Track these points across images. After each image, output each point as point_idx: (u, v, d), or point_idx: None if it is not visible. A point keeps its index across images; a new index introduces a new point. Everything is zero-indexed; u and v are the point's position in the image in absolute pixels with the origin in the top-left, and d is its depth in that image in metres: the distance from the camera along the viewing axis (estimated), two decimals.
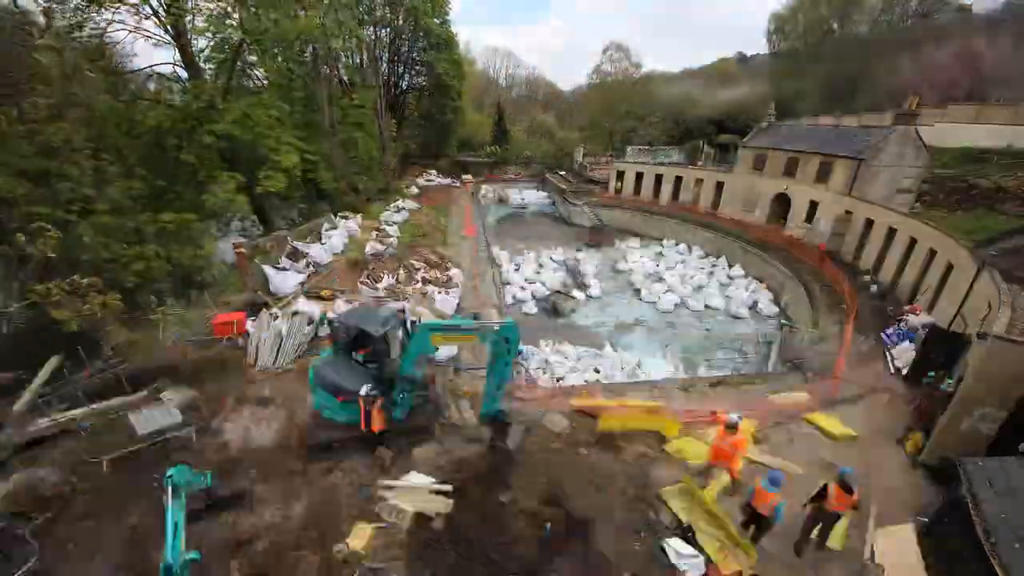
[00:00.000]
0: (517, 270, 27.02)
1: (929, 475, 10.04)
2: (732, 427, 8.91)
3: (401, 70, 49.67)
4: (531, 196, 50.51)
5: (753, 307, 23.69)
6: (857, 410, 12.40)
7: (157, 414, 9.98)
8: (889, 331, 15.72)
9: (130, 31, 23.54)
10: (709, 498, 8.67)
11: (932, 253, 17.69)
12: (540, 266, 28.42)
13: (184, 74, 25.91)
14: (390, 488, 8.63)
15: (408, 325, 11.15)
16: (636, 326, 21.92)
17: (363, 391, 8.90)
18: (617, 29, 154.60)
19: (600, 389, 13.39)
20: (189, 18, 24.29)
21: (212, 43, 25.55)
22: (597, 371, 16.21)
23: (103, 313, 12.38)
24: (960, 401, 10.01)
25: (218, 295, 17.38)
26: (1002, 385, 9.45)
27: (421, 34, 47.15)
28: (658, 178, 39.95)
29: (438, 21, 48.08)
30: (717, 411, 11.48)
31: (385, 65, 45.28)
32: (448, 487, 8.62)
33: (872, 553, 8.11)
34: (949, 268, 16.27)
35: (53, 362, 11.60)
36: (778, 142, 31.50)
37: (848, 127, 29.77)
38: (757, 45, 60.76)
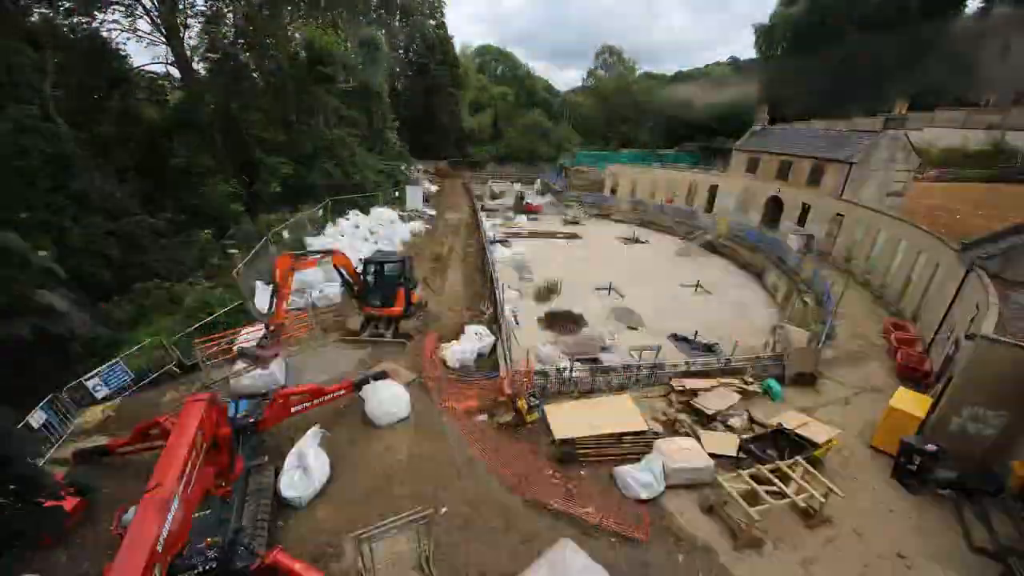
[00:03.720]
0: None
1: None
2: None
3: (398, 71, 49.75)
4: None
5: None
6: None
7: None
8: None
9: (123, 30, 23.45)
10: None
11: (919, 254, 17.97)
12: None
13: (176, 72, 25.77)
14: None
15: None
16: None
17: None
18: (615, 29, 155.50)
19: None
20: (181, 18, 24.22)
21: (205, 43, 25.46)
22: None
23: None
24: (949, 400, 10.16)
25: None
26: (990, 385, 9.61)
27: (417, 36, 47.28)
28: (653, 181, 40.31)
29: (433, 23, 48.26)
30: None
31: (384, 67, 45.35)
32: None
33: None
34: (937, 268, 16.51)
35: None
36: (771, 145, 31.84)
37: (839, 131, 30.17)
38: (750, 49, 61.25)
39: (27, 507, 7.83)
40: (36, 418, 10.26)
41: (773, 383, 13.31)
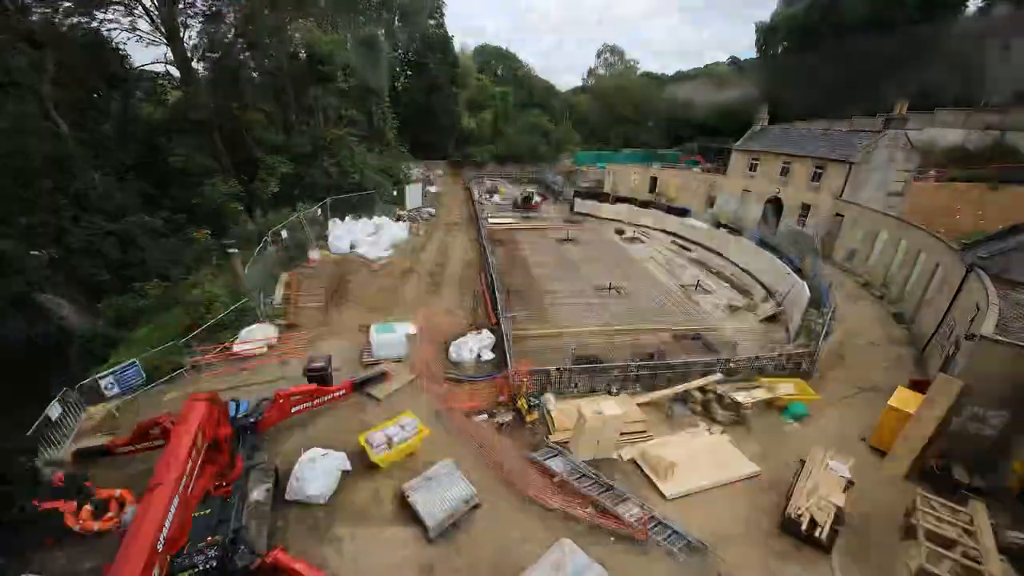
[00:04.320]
0: None
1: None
2: None
3: (398, 71, 49.69)
4: None
5: None
6: None
7: None
8: None
9: (123, 30, 23.41)
10: None
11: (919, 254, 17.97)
12: None
13: (176, 72, 25.73)
14: None
15: None
16: None
17: None
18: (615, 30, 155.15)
19: None
20: (181, 18, 24.15)
21: (205, 42, 25.40)
22: None
23: None
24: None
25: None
26: (990, 385, 9.61)
27: (416, 35, 47.25)
28: (653, 180, 40.40)
29: (433, 23, 48.21)
30: None
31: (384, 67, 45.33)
32: None
33: None
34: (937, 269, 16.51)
35: None
36: (771, 145, 31.81)
37: (840, 131, 30.14)
38: (750, 49, 61.24)
39: (22, 510, 7.80)
40: (54, 411, 10.33)
41: (799, 407, 13.01)
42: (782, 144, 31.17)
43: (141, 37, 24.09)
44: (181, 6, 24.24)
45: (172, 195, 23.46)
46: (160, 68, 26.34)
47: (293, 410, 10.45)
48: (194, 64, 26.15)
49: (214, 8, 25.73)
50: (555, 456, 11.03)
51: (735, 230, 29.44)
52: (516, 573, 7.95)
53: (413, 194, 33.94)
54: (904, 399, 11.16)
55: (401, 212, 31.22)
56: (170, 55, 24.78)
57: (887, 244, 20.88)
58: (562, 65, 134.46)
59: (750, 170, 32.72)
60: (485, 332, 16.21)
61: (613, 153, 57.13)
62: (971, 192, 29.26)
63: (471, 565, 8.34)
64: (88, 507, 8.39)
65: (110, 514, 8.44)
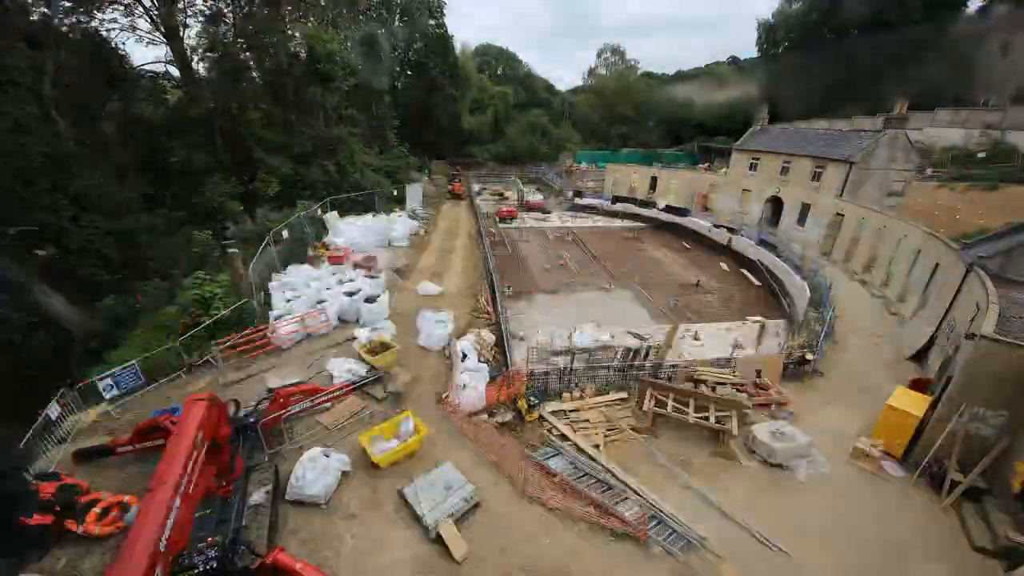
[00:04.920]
0: None
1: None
2: None
3: (398, 71, 49.69)
4: None
5: None
6: None
7: None
8: None
9: (123, 30, 23.39)
10: None
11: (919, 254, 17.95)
12: None
13: (176, 72, 25.69)
14: None
15: None
16: None
17: None
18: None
19: None
20: (181, 17, 24.14)
21: (204, 42, 25.39)
22: None
23: None
24: (949, 400, 10.15)
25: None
26: (990, 385, 9.60)
27: (416, 36, 47.26)
28: (653, 180, 40.39)
29: (433, 23, 48.21)
30: None
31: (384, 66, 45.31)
32: None
33: None
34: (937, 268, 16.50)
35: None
36: (771, 145, 31.83)
37: (840, 131, 30.22)
38: (750, 48, 61.29)
39: (10, 528, 7.68)
40: (53, 411, 10.25)
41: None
42: (782, 144, 31.19)
43: (141, 37, 24.10)
44: (181, 6, 24.25)
45: (172, 194, 23.47)
46: (160, 68, 26.36)
47: (293, 409, 10.45)
48: (194, 64, 26.16)
49: (214, 8, 25.73)
50: (555, 456, 11.04)
51: (733, 229, 29.45)
52: (516, 573, 7.95)
53: (413, 194, 33.90)
54: (904, 399, 11.16)
55: (400, 213, 30.91)
56: (170, 54, 24.79)
57: (887, 243, 20.88)
58: (562, 64, 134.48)
59: (750, 169, 32.73)
60: (485, 331, 16.20)
61: (613, 153, 57.15)
62: (971, 192, 29.24)
63: (471, 564, 8.33)
64: (95, 510, 8.38)
65: (112, 515, 8.44)
